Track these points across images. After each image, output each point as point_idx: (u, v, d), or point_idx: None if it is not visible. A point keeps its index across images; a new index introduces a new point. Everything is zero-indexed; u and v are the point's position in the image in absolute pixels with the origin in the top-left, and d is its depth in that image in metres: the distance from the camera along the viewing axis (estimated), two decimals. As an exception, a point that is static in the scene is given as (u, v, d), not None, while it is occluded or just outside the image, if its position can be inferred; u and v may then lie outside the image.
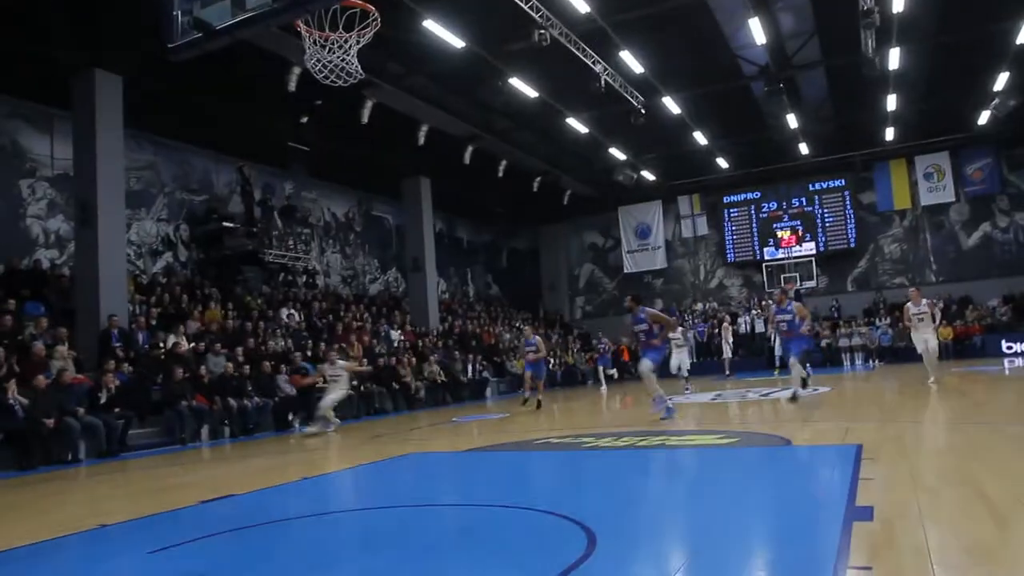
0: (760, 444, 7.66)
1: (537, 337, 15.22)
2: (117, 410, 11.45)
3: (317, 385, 13.45)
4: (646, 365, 10.48)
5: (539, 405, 14.48)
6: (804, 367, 12.75)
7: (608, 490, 5.43)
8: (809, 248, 27.27)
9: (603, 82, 16.93)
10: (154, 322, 14.62)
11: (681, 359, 16.95)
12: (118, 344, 12.97)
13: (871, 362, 23.36)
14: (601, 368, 22.16)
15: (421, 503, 5.61)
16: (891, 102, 21.46)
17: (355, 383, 15.12)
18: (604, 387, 21.11)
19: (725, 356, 21.69)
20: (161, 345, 13.66)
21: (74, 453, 10.58)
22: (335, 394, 12.66)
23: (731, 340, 22.32)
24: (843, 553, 3.54)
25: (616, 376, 23.39)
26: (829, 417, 10.01)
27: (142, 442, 11.86)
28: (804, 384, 12.52)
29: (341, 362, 13.32)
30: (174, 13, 5.02)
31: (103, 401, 11.36)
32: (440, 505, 5.60)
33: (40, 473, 9.62)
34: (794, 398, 11.32)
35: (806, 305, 25.04)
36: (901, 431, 7.71)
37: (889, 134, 24.55)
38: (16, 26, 12.89)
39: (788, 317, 11.78)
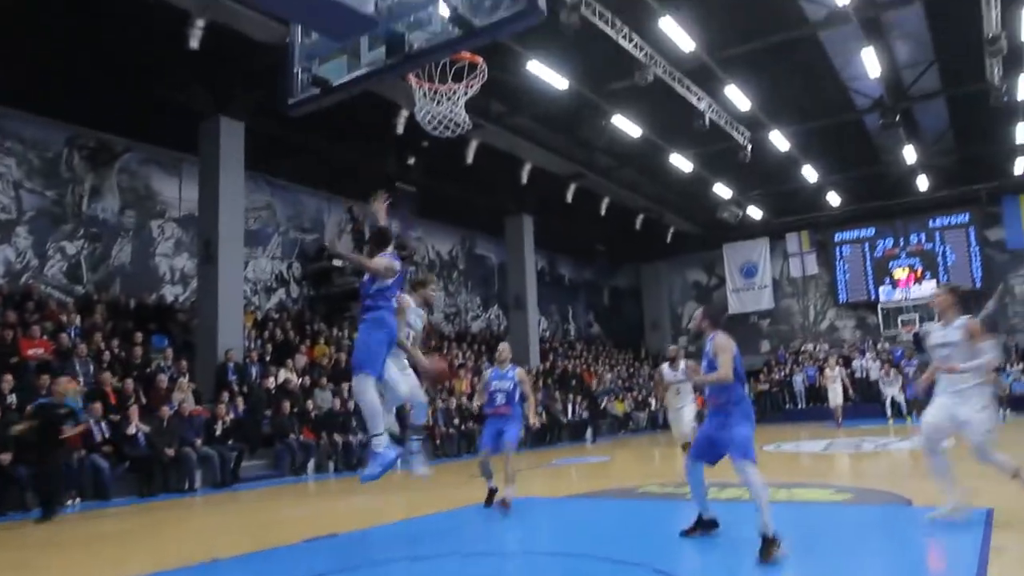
0: (878, 502, 7.20)
1: (518, 369, 7.88)
2: (231, 442, 11.96)
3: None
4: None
5: (491, 498, 7.61)
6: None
7: (708, 546, 5.21)
8: (930, 288, 25.72)
9: (707, 119, 16.69)
10: (267, 357, 15.24)
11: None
12: (233, 378, 13.57)
13: (1000, 412, 21.70)
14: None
15: (519, 551, 5.54)
16: (1020, 133, 20.19)
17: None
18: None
19: (834, 403, 19.22)
20: (272, 379, 14.20)
21: (191, 482, 11.08)
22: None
23: (842, 385, 19.79)
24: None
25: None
26: (954, 473, 9.31)
27: (253, 474, 12.30)
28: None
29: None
30: (295, 70, 5.29)
31: (218, 433, 11.90)
32: (537, 553, 5.51)
33: (159, 500, 10.13)
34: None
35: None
36: (1039, 493, 7.06)
37: (1019, 166, 23.05)
38: (151, 78, 13.94)
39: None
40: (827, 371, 20.63)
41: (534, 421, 8.62)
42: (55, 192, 14.83)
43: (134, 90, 14.02)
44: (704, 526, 5.51)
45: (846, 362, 25.33)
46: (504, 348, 8.00)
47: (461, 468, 12.93)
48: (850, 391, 20.57)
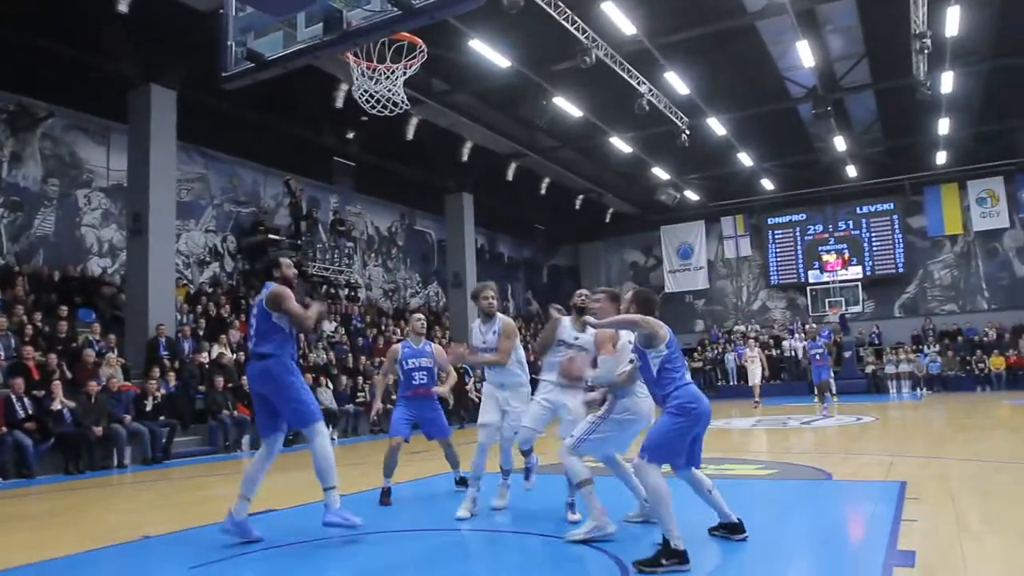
0: (800, 476, 7.53)
1: (433, 344, 7.26)
2: (162, 418, 11.72)
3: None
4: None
5: (386, 497, 6.65)
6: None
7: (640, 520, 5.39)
8: (856, 272, 26.75)
9: (647, 103, 16.90)
10: (200, 332, 14.94)
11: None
12: (164, 353, 13.28)
13: (918, 391, 22.79)
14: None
15: (455, 527, 5.63)
16: (943, 126, 21.04)
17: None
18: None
19: (753, 382, 19.48)
20: (205, 355, 13.94)
21: (120, 459, 10.85)
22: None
23: (760, 364, 19.91)
24: (882, 601, 3.48)
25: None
26: (872, 450, 9.80)
27: (185, 450, 12.11)
28: None
29: None
30: (228, 43, 5.18)
31: (148, 409, 11.65)
32: (468, 530, 5.60)
33: (87, 478, 9.88)
34: None
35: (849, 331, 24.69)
36: (947, 468, 7.51)
37: (941, 158, 24.05)
38: (78, 42, 13.38)
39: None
40: (747, 351, 21.11)
41: (445, 390, 7.39)
42: (-28, 158, 14.15)
43: (59, 54, 13.43)
44: (728, 529, 4.75)
45: (776, 342, 26.19)
46: (419, 319, 7.07)
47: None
48: (766, 371, 20.85)
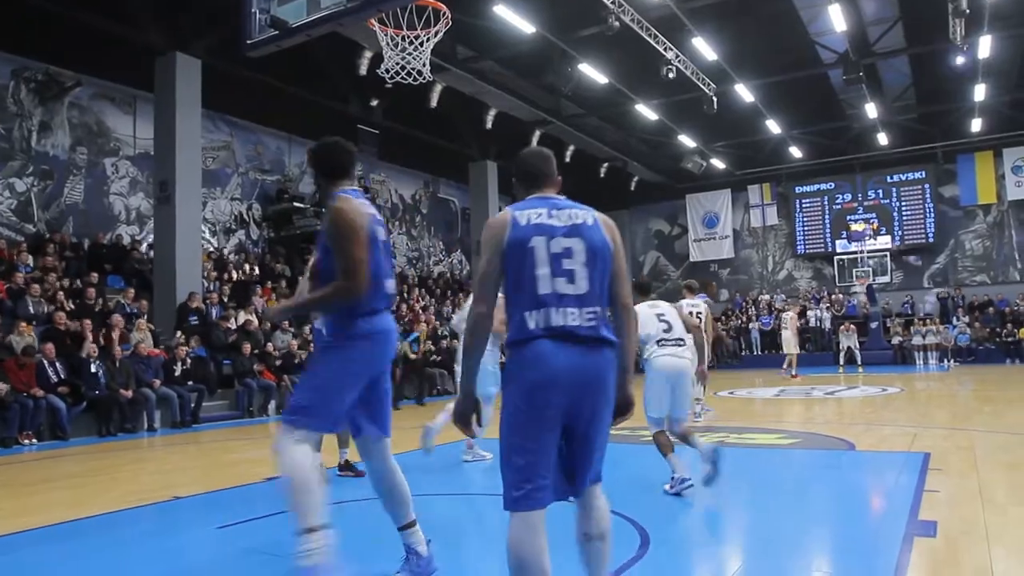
0: (822, 447, 7.51)
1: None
2: (190, 383, 11.95)
3: None
4: None
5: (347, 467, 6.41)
6: None
7: (662, 488, 5.42)
8: (884, 242, 26.34)
9: (674, 69, 16.63)
10: (226, 299, 15.13)
11: None
12: (193, 319, 13.47)
13: (946, 362, 22.54)
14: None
15: (473, 492, 5.71)
16: (979, 92, 20.49)
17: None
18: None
19: (791, 351, 18.53)
20: (232, 321, 14.13)
21: (150, 422, 11.10)
22: None
23: (796, 334, 19.02)
24: (902, 570, 3.48)
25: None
26: (897, 421, 9.73)
27: (213, 414, 12.35)
28: None
29: None
30: (252, 11, 5.17)
31: (177, 374, 11.87)
32: (487, 495, 5.67)
33: (119, 441, 10.13)
34: None
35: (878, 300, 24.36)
36: (972, 440, 7.45)
37: (975, 125, 23.45)
38: (104, 9, 13.41)
39: None
40: (788, 318, 19.17)
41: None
42: (1, 127, 14.31)
43: (85, 22, 13.48)
44: None
45: (802, 311, 25.95)
46: None
47: (421, 412, 13.11)
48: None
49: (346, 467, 6.28)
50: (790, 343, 18.47)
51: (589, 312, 2.53)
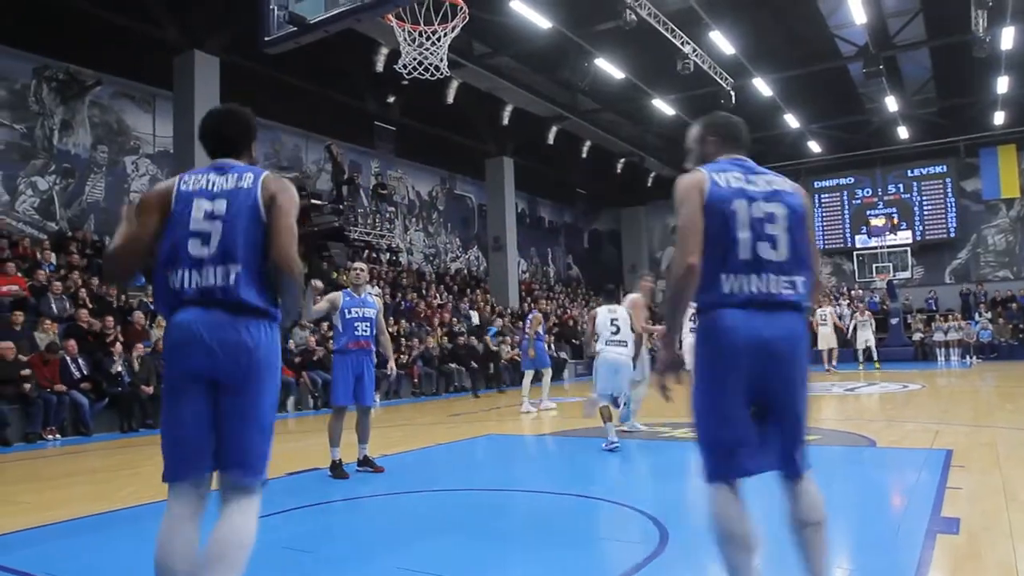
0: (843, 443, 7.45)
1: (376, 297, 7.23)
2: (210, 379, 12.02)
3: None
4: None
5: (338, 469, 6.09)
6: None
7: (682, 484, 5.41)
8: (905, 237, 26.07)
9: (691, 63, 16.55)
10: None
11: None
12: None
13: (968, 358, 22.28)
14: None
15: (494, 487, 5.72)
16: (1002, 84, 20.25)
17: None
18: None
19: (829, 346, 17.91)
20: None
21: (171, 418, 11.17)
22: None
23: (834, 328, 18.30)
24: (924, 567, 3.45)
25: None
26: (918, 417, 9.64)
27: (233, 410, 12.42)
28: None
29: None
30: (271, 8, 5.20)
31: (198, 370, 11.94)
32: (512, 490, 5.69)
33: (140, 436, 10.23)
34: None
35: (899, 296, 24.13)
36: (995, 437, 7.36)
37: (998, 118, 23.17)
38: (123, 8, 13.54)
39: None
40: (826, 314, 18.69)
41: (392, 367, 6.66)
42: (24, 126, 14.48)
43: (105, 20, 13.62)
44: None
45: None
46: (360, 267, 6.63)
47: (439, 407, 13.15)
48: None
49: (365, 462, 6.29)
50: (829, 339, 18.04)
51: (788, 280, 2.50)
